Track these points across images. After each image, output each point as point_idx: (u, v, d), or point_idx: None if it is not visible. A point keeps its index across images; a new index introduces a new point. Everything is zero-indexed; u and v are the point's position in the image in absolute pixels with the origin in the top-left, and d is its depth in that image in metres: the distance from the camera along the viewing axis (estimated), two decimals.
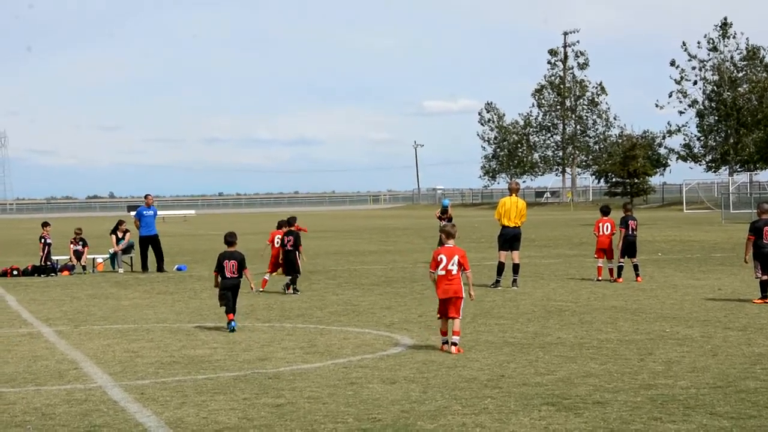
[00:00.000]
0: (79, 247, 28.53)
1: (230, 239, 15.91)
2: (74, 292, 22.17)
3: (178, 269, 28.13)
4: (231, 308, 15.29)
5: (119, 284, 24.14)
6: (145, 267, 27.66)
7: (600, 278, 22.15)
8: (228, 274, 15.52)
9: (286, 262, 20.93)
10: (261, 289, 20.96)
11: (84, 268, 28.29)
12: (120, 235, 28.85)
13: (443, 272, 12.89)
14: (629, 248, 22.15)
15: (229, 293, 15.38)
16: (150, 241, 27.85)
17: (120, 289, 22.94)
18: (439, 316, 13.05)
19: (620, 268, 22.02)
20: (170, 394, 10.23)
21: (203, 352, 13.09)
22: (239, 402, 9.79)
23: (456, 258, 12.88)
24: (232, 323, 15.17)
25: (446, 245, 13.16)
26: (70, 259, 28.40)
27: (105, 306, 19.21)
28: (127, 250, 28.91)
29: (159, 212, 34.61)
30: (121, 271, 28.00)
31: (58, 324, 16.48)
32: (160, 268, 27.49)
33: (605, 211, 23.08)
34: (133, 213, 29.91)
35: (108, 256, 29.18)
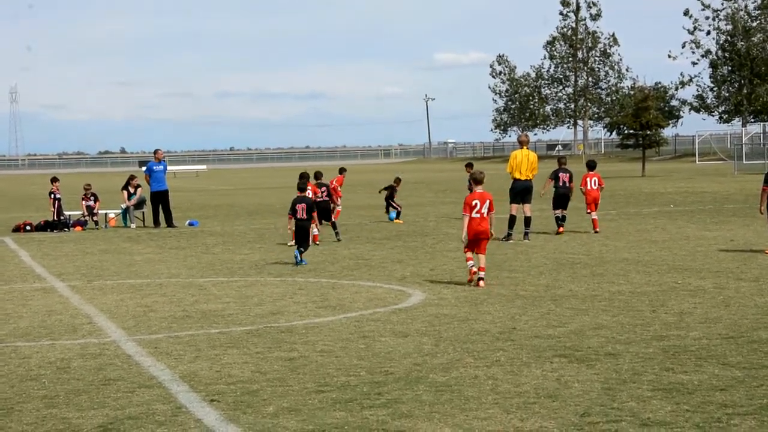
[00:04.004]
0: (91, 203, 28.58)
1: (302, 186, 18.15)
2: (87, 247, 22.26)
3: (190, 224, 28.20)
4: (303, 245, 17.46)
5: (131, 239, 24.22)
6: (157, 222, 27.71)
7: (597, 230, 22.33)
8: (299, 216, 17.59)
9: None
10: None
11: (96, 223, 28.37)
12: (131, 190, 28.86)
13: (477, 215, 14.40)
14: (560, 199, 22.54)
15: (300, 233, 17.54)
16: (161, 197, 27.86)
17: (132, 244, 23.01)
18: (466, 250, 14.56)
19: (557, 219, 22.46)
20: (183, 348, 10.29)
21: (216, 306, 13.14)
22: (252, 356, 9.84)
23: (488, 202, 14.44)
24: (303, 261, 17.35)
25: (476, 191, 14.61)
26: (83, 214, 28.48)
27: (118, 261, 19.28)
28: (139, 205, 28.96)
29: (171, 167, 34.58)
30: (133, 226, 28.06)
31: (72, 279, 16.56)
32: (169, 224, 27.53)
33: (591, 165, 23.55)
34: (143, 168, 29.91)
35: (120, 211, 29.24)
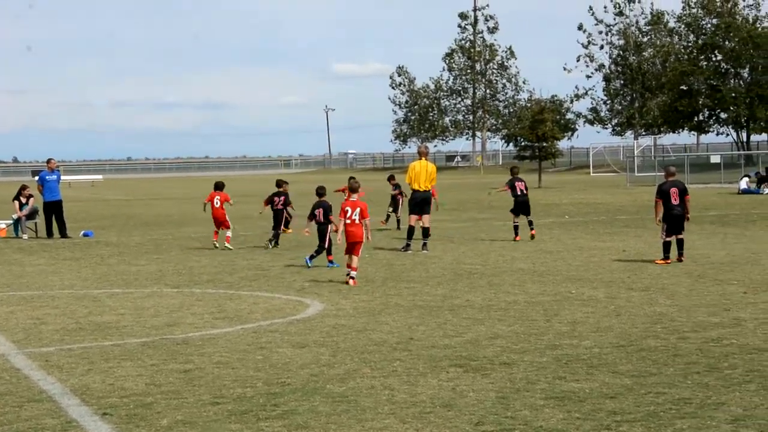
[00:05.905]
0: None
1: (320, 191, 18.65)
2: None
3: (85, 235, 27.64)
4: (320, 247, 18.22)
5: (23, 250, 23.62)
6: (50, 233, 27.09)
7: None
8: (317, 220, 18.33)
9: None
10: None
11: None
12: (23, 200, 28.15)
13: (349, 221, 15.84)
14: (521, 207, 23.42)
15: (318, 236, 18.22)
16: (54, 207, 27.26)
17: (24, 255, 22.44)
18: (346, 254, 15.92)
19: (516, 227, 23.30)
20: (76, 361, 10.08)
21: (110, 318, 12.91)
22: (147, 368, 9.69)
23: (358, 209, 15.91)
24: (309, 261, 17.97)
25: (350, 199, 16.04)
26: None
27: (8, 272, 18.78)
28: (32, 215, 28.26)
29: (65, 177, 33.80)
30: (25, 237, 27.38)
31: None
32: (63, 235, 26.95)
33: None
34: (36, 178, 29.20)
35: (11, 221, 28.48)
